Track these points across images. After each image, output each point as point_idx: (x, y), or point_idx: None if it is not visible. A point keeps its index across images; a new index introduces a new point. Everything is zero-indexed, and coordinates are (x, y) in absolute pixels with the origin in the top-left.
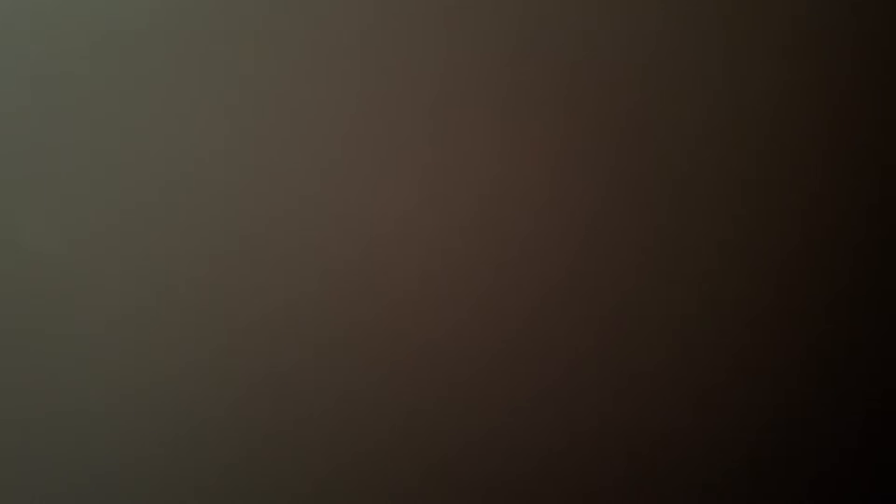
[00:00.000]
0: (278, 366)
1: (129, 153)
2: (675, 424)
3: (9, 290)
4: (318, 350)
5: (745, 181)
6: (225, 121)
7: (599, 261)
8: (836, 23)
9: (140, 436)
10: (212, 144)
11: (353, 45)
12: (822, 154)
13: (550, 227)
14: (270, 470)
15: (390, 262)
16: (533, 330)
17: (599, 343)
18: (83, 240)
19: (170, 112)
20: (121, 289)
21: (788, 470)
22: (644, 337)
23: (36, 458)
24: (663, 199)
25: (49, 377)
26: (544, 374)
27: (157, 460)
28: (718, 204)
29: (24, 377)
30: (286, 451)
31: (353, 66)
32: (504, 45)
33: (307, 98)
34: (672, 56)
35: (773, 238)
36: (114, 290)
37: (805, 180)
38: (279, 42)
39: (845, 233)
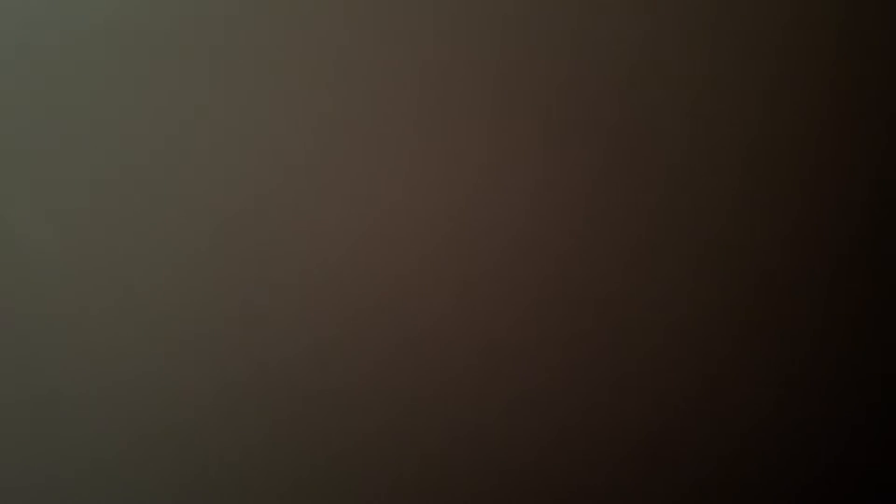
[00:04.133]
0: (270, 360)
1: (125, 147)
2: (667, 424)
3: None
4: (309, 344)
5: (736, 182)
6: (218, 117)
7: (589, 258)
8: (829, 24)
9: (134, 429)
10: (204, 140)
11: (343, 43)
12: (815, 154)
13: (540, 225)
14: (262, 463)
15: (381, 259)
16: (523, 327)
17: (590, 341)
18: (78, 232)
19: (164, 110)
20: (114, 281)
21: (784, 470)
22: (636, 336)
23: (27, 451)
24: (654, 197)
25: (41, 370)
26: (535, 372)
27: (148, 453)
28: (709, 204)
29: (17, 371)
30: (278, 446)
31: (344, 63)
32: (493, 44)
33: (298, 94)
34: (662, 55)
35: (766, 239)
36: (107, 283)
37: (797, 180)
38: (271, 41)
39: (839, 232)
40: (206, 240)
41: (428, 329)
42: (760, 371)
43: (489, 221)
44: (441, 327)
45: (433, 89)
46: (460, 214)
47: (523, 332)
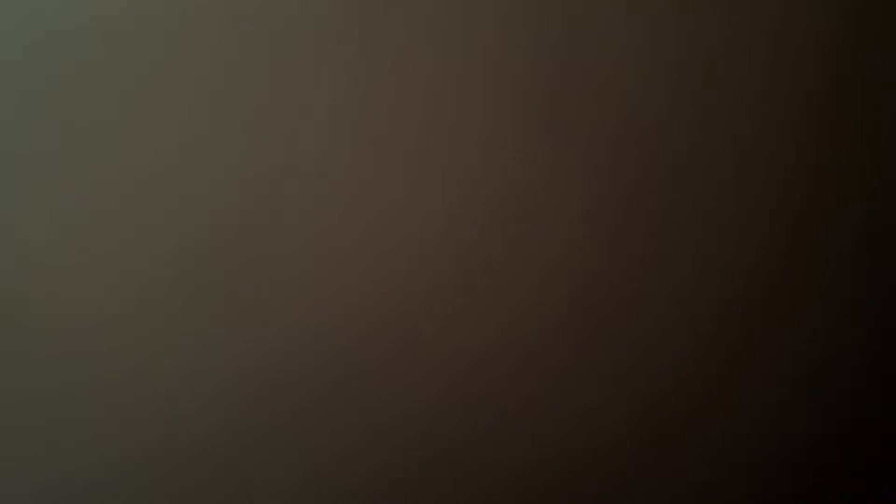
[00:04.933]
0: (269, 360)
1: (125, 148)
2: (667, 423)
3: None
4: (309, 343)
5: (735, 181)
6: (217, 117)
7: (588, 258)
8: (829, 24)
9: (133, 428)
10: (204, 140)
11: (347, 44)
12: (813, 154)
13: (539, 225)
14: (262, 463)
15: (381, 258)
16: (523, 327)
17: (589, 340)
18: (77, 232)
19: (166, 110)
20: (114, 281)
21: (783, 470)
22: (635, 336)
23: (26, 450)
24: (654, 198)
25: (40, 369)
26: (535, 372)
27: (148, 452)
28: (708, 204)
29: (17, 370)
30: (277, 446)
31: (347, 64)
32: (494, 46)
33: (300, 96)
34: (662, 56)
35: (764, 238)
36: (107, 282)
37: (795, 180)
38: (274, 42)
39: (839, 232)
40: (205, 239)
41: (428, 329)
42: (760, 371)
43: (489, 221)
44: (441, 327)
45: (432, 90)
46: (460, 214)
47: (523, 332)
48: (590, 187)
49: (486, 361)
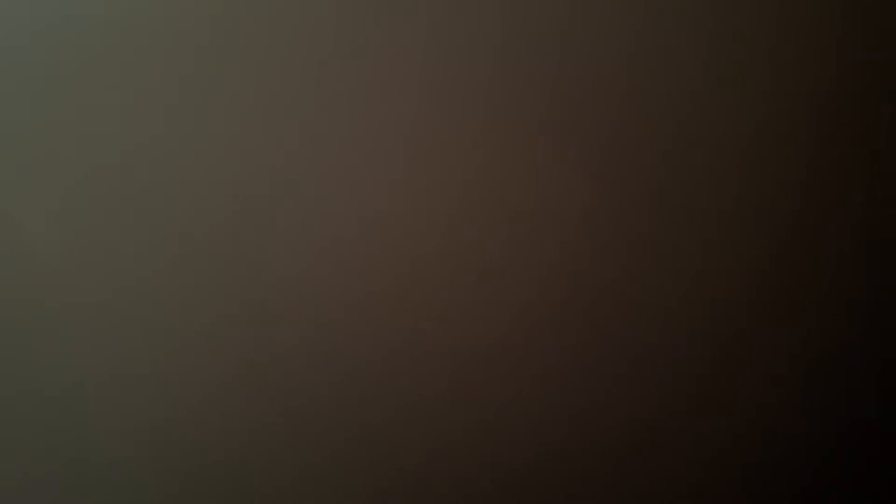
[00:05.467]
0: (268, 358)
1: (125, 147)
2: (667, 422)
3: (3, 282)
4: (309, 342)
5: (735, 181)
6: (217, 118)
7: (587, 258)
8: (825, 24)
9: (132, 425)
10: (203, 140)
11: (346, 43)
12: (813, 154)
13: (538, 225)
14: (261, 462)
15: (377, 259)
16: (521, 327)
17: (588, 341)
18: (77, 232)
19: (167, 108)
20: (114, 279)
21: (783, 469)
22: (634, 336)
23: (25, 446)
24: (654, 198)
25: (39, 367)
26: (534, 372)
27: (147, 450)
28: (708, 204)
29: (20, 369)
30: (273, 445)
31: (346, 64)
32: (491, 47)
33: (297, 96)
34: (661, 57)
35: (763, 238)
36: (106, 281)
37: (795, 180)
38: (276, 41)
39: (835, 231)
40: (206, 237)
41: (427, 328)
42: (760, 371)
43: (487, 221)
44: (440, 327)
45: (431, 89)
46: (458, 214)
47: (522, 332)
48: (589, 187)
49: (485, 361)
